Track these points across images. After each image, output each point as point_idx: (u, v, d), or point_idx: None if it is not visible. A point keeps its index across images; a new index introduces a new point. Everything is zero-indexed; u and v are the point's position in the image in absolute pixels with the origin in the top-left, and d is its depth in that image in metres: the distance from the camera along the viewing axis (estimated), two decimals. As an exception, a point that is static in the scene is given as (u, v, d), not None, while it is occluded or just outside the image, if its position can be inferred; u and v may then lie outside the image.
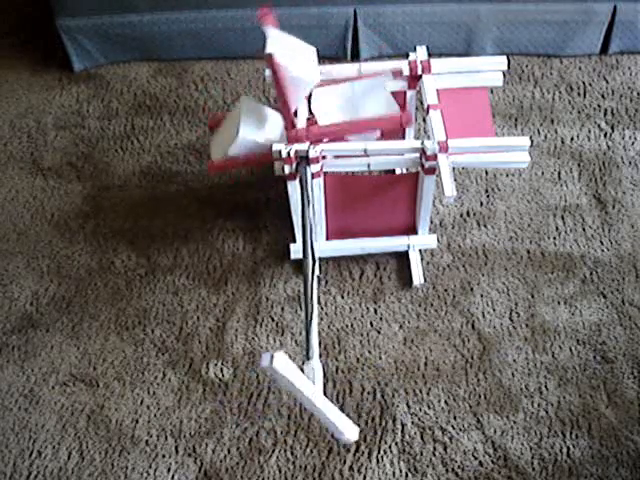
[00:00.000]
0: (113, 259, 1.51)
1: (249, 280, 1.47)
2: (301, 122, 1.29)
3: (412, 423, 1.28)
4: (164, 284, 1.47)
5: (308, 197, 1.22)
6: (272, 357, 0.94)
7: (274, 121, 1.30)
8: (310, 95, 1.32)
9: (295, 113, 1.29)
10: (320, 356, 1.35)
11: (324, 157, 1.26)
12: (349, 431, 1.01)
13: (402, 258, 1.48)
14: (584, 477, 1.22)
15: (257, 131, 1.28)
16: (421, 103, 1.39)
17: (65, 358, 1.38)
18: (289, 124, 1.26)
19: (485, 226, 1.53)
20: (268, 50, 1.17)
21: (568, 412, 1.28)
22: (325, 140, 1.27)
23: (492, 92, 1.75)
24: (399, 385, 1.33)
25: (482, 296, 1.43)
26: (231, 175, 1.63)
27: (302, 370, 1.00)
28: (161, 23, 1.78)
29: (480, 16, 1.75)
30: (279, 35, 1.22)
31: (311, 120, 1.30)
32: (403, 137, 1.50)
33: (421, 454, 1.25)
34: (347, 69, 1.37)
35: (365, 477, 1.23)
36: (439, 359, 1.35)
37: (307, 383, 0.99)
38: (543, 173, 1.61)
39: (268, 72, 1.35)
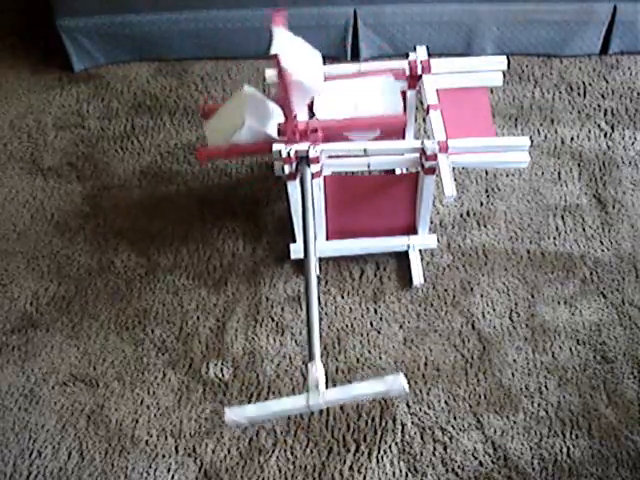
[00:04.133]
0: (113, 259, 1.51)
1: (249, 280, 1.47)
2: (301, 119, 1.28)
3: (412, 423, 1.28)
4: (164, 284, 1.47)
5: (308, 197, 1.22)
6: (225, 415, 0.93)
7: (278, 114, 1.30)
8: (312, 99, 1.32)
9: (295, 117, 1.29)
10: (320, 356, 1.35)
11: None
12: (393, 383, 0.96)
13: (402, 258, 1.48)
14: (584, 477, 1.22)
15: (263, 120, 1.27)
16: (421, 103, 1.39)
17: (65, 358, 1.38)
18: (289, 125, 1.26)
19: (485, 226, 1.53)
20: (273, 51, 1.17)
21: (568, 412, 1.28)
22: (322, 137, 1.26)
23: (492, 92, 1.75)
24: (399, 385, 1.33)
25: (482, 296, 1.43)
26: (231, 175, 1.63)
27: (300, 371, 1.01)
28: (161, 23, 1.78)
29: (480, 16, 1.75)
30: (287, 37, 1.22)
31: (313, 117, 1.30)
32: (403, 137, 1.50)
33: (421, 454, 1.25)
34: (347, 69, 1.37)
35: (365, 477, 1.23)
36: (439, 359, 1.35)
37: (271, 404, 0.99)
38: (543, 173, 1.61)
39: (268, 72, 1.36)
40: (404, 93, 1.40)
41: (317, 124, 1.26)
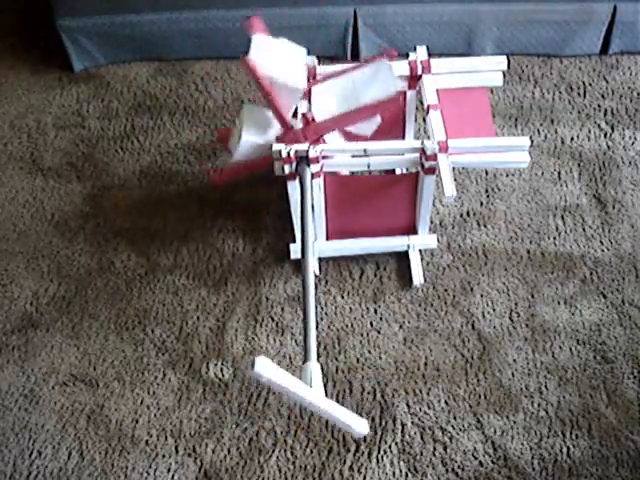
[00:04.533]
0: (113, 259, 1.51)
1: (249, 280, 1.47)
2: (296, 123, 1.28)
3: (412, 423, 1.28)
4: (164, 284, 1.47)
5: (308, 197, 1.22)
6: (254, 362, 0.93)
7: (276, 123, 1.30)
8: (310, 94, 1.32)
9: (295, 114, 1.29)
10: (320, 356, 1.35)
11: (324, 157, 1.26)
12: (359, 425, 0.99)
13: (402, 258, 1.48)
14: (584, 477, 1.22)
15: (259, 133, 1.28)
16: (421, 103, 1.39)
17: (65, 358, 1.38)
18: (284, 127, 1.26)
19: (485, 226, 1.53)
20: (249, 57, 1.17)
21: (568, 412, 1.28)
22: (322, 137, 1.26)
23: (492, 92, 1.75)
24: (399, 385, 1.33)
25: (482, 296, 1.43)
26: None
27: (300, 371, 1.00)
28: (161, 23, 1.78)
29: (480, 16, 1.75)
30: (265, 41, 1.22)
31: (308, 116, 1.29)
32: (403, 137, 1.50)
33: (421, 454, 1.25)
34: (347, 69, 1.37)
35: (365, 477, 1.23)
36: (439, 359, 1.35)
37: (298, 383, 0.98)
38: (543, 173, 1.61)
39: None
40: (404, 94, 1.40)
41: (314, 128, 1.26)
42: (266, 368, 0.93)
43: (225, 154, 1.67)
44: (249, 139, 1.27)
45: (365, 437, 1.27)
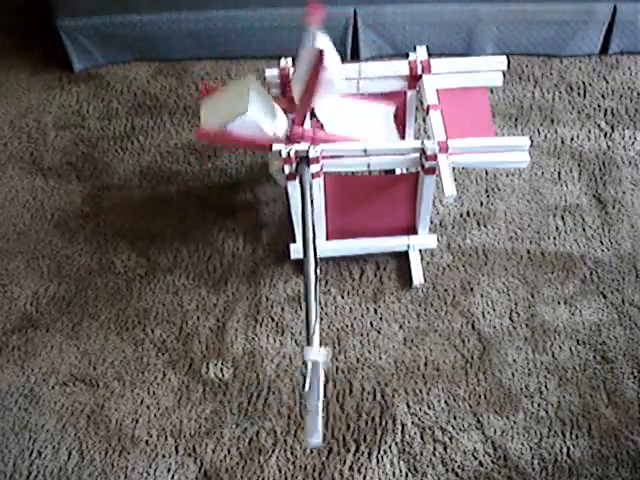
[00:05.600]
0: (113, 259, 1.51)
1: (249, 280, 1.47)
2: (308, 123, 1.29)
3: (412, 423, 1.28)
4: (164, 284, 1.47)
5: (309, 197, 1.22)
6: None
7: (280, 116, 1.29)
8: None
9: (304, 115, 1.29)
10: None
11: (324, 157, 1.26)
12: (314, 437, 1.02)
13: (402, 258, 1.48)
14: (584, 477, 1.22)
15: (265, 118, 1.26)
16: (421, 103, 1.39)
17: (65, 358, 1.38)
18: (299, 121, 1.25)
19: (485, 226, 1.53)
20: (320, 46, 1.17)
21: (568, 412, 1.28)
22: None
23: (492, 92, 1.75)
24: (399, 385, 1.33)
25: (482, 296, 1.43)
26: (231, 175, 1.63)
27: (301, 372, 1.01)
28: (161, 23, 1.78)
29: (480, 16, 1.75)
30: (323, 36, 1.23)
31: (316, 123, 1.30)
32: (403, 137, 1.50)
33: (421, 454, 1.25)
34: (347, 69, 1.37)
35: (365, 477, 1.23)
36: (439, 359, 1.35)
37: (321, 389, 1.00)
38: (543, 173, 1.61)
39: (268, 72, 1.35)
40: (404, 94, 1.40)
41: (323, 136, 1.26)
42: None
43: (224, 152, 1.67)
44: (254, 117, 1.22)
45: (365, 437, 1.27)
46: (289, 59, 1.36)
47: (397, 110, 1.41)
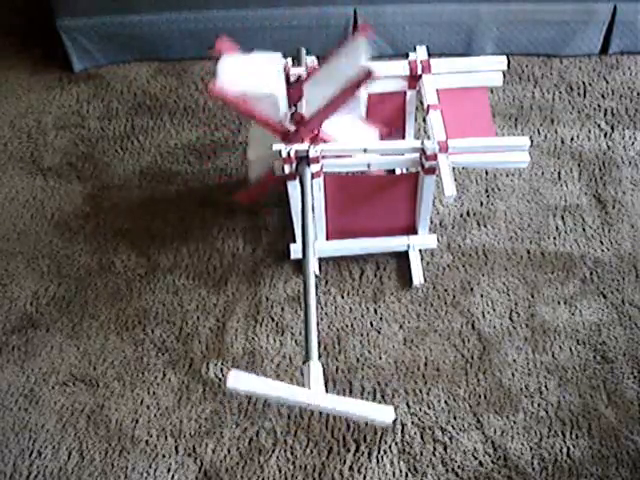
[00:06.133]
0: (113, 259, 1.51)
1: (249, 280, 1.47)
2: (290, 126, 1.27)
3: (412, 423, 1.28)
4: (164, 284, 1.47)
5: (308, 197, 1.22)
6: (226, 378, 0.91)
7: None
8: (300, 95, 1.32)
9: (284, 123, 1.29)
10: (320, 356, 1.35)
11: (324, 157, 1.26)
12: (383, 414, 0.96)
13: (402, 258, 1.48)
14: (584, 477, 1.22)
15: (262, 148, 1.29)
16: (421, 103, 1.39)
17: (65, 358, 1.38)
18: (279, 135, 1.25)
19: (485, 226, 1.53)
20: (215, 83, 1.17)
21: (568, 412, 1.28)
22: (320, 136, 1.26)
23: (492, 92, 1.75)
24: (399, 385, 1.33)
25: (482, 296, 1.43)
26: (231, 175, 1.63)
27: (300, 371, 1.00)
28: (161, 23, 1.78)
29: (480, 16, 1.75)
30: (231, 60, 1.23)
31: (297, 115, 1.28)
32: (403, 137, 1.50)
33: (421, 454, 1.25)
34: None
35: (365, 477, 1.23)
36: (439, 359, 1.35)
37: (283, 386, 0.96)
38: (543, 173, 1.61)
39: None
40: (404, 94, 1.40)
41: (305, 125, 1.25)
42: (241, 380, 0.91)
43: (224, 152, 1.67)
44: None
45: (365, 437, 1.27)
46: (289, 59, 1.36)
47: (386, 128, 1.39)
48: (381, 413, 0.96)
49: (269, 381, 0.95)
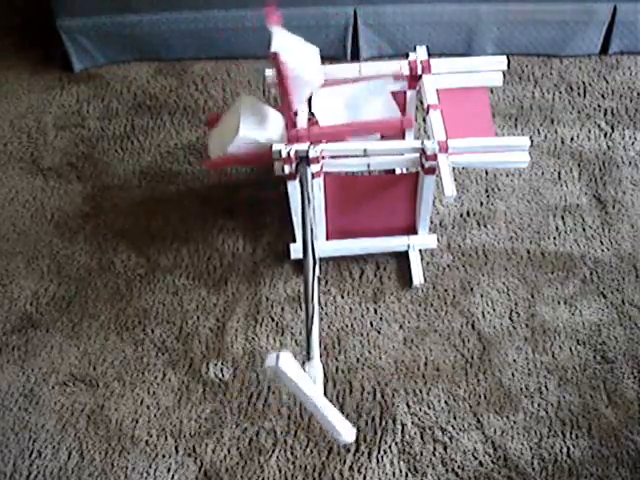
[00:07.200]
0: (113, 259, 1.51)
1: (249, 280, 1.47)
2: (302, 122, 1.29)
3: (412, 423, 1.28)
4: (164, 284, 1.47)
5: (308, 197, 1.22)
6: (278, 357, 0.93)
7: (275, 120, 1.30)
8: (311, 95, 1.32)
9: (295, 113, 1.29)
10: (320, 356, 1.35)
11: (324, 157, 1.26)
12: (346, 432, 1.01)
13: (402, 258, 1.48)
14: (584, 477, 1.22)
15: (258, 130, 1.28)
16: (421, 103, 1.39)
17: (65, 358, 1.38)
18: (290, 123, 1.26)
19: (485, 226, 1.53)
20: (273, 49, 1.17)
21: (568, 412, 1.28)
22: (324, 141, 1.26)
23: (492, 92, 1.75)
24: (399, 385, 1.33)
25: (482, 296, 1.43)
26: (231, 175, 1.63)
27: (303, 370, 1.00)
28: (161, 23, 1.78)
29: (480, 16, 1.75)
30: (284, 34, 1.22)
31: (312, 120, 1.30)
32: (403, 137, 1.50)
33: (421, 454, 1.25)
34: (347, 69, 1.37)
35: (365, 477, 1.23)
36: (439, 359, 1.35)
37: (310, 384, 0.99)
38: (543, 173, 1.61)
39: (268, 72, 1.36)
40: (404, 94, 1.40)
41: (318, 130, 1.26)
42: (288, 365, 0.94)
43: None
44: (247, 134, 1.26)
45: (365, 437, 1.27)
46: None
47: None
48: (346, 431, 1.01)
49: (303, 376, 0.98)
